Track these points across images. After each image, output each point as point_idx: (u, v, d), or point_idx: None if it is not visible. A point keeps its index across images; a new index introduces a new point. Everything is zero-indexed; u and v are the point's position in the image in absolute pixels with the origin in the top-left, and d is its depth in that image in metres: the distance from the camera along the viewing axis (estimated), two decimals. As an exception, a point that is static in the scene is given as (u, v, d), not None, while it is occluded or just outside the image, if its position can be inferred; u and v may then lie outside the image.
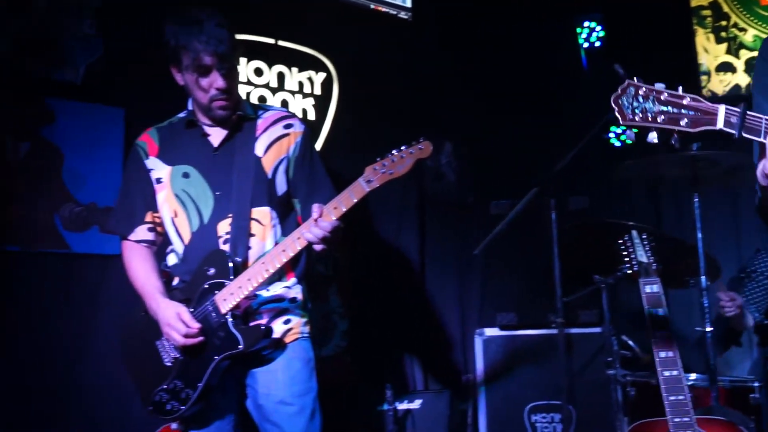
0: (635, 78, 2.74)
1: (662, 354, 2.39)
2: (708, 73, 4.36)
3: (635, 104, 1.50)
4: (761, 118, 1.47)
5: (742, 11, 4.38)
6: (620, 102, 1.51)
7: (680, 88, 1.51)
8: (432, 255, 4.18)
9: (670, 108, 1.48)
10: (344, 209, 2.17)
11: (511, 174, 4.27)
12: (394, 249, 4.10)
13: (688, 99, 1.48)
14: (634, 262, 2.61)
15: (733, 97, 4.32)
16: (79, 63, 3.32)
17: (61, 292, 3.17)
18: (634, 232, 2.69)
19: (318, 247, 2.21)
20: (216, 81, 2.30)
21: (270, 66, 3.92)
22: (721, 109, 1.47)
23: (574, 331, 3.40)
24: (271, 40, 3.93)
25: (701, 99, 1.48)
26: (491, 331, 3.55)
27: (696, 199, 2.87)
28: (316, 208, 2.17)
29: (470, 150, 4.52)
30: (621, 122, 1.51)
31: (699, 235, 2.81)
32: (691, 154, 2.89)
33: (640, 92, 1.50)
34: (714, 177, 3.09)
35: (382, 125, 4.18)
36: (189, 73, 2.31)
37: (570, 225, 3.11)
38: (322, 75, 4.08)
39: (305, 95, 4.01)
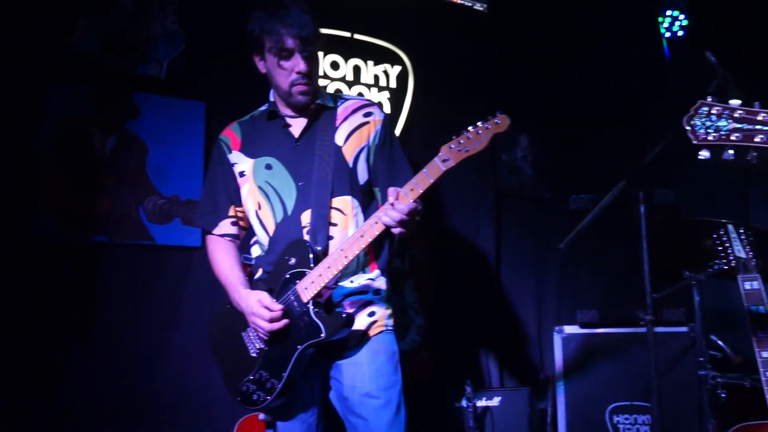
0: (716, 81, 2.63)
1: (765, 354, 2.27)
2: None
3: (708, 123, 1.50)
4: None
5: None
6: (693, 122, 1.52)
7: (757, 104, 1.49)
8: (508, 251, 4.10)
9: (744, 125, 1.48)
10: (421, 190, 2.12)
11: (588, 168, 4.16)
12: (470, 244, 4.04)
13: (763, 115, 1.48)
14: (731, 258, 2.49)
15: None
16: (162, 58, 3.39)
17: (145, 282, 3.23)
18: (731, 227, 2.57)
19: (396, 231, 2.16)
20: (298, 64, 2.31)
21: (346, 59, 3.92)
22: None
23: (658, 329, 3.27)
24: (347, 34, 3.93)
25: None
26: (571, 329, 3.45)
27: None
28: (392, 191, 2.13)
29: (547, 144, 4.42)
30: (694, 142, 1.51)
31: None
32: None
33: (713, 111, 1.50)
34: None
35: (458, 118, 4.07)
36: (271, 56, 2.32)
37: (658, 219, 2.99)
38: (398, 68, 4.05)
39: (381, 88, 3.99)
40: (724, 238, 2.53)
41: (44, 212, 3.04)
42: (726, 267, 2.50)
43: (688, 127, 1.53)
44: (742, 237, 2.54)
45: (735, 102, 1.51)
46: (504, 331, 4.00)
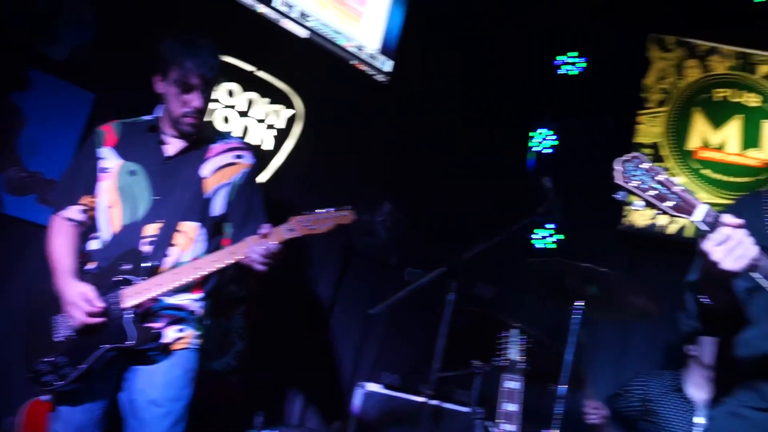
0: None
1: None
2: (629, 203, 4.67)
3: (635, 172, 1.64)
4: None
5: (679, 158, 4.79)
6: (625, 165, 1.66)
7: (678, 179, 1.69)
8: (344, 303, 4.35)
9: (661, 187, 1.65)
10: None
11: (436, 246, 4.53)
12: (310, 287, 4.31)
13: (677, 187, 1.67)
14: (505, 358, 2.88)
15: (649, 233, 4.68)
16: (67, 42, 3.52)
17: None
18: (514, 331, 2.97)
19: (258, 267, 2.45)
20: (195, 100, 2.56)
21: (244, 90, 4.16)
22: (703, 207, 1.66)
23: (447, 405, 3.63)
24: (252, 68, 4.17)
25: (688, 191, 1.68)
26: (372, 387, 3.72)
27: (578, 313, 3.14)
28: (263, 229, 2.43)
29: (409, 214, 4.76)
30: (617, 181, 1.65)
31: (570, 344, 3.06)
32: (586, 266, 3.16)
33: (643, 165, 1.65)
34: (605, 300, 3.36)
35: (333, 172, 4.44)
36: (173, 86, 2.56)
37: (466, 309, 3.36)
38: (290, 112, 4.32)
39: (268, 126, 4.24)
40: (505, 340, 2.92)
41: None
42: (499, 364, 2.88)
43: (619, 167, 1.65)
44: (521, 342, 2.94)
45: (660, 167, 1.68)
46: (318, 376, 4.25)
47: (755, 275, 1.68)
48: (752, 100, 4.80)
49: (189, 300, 2.58)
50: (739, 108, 4.79)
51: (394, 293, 4.00)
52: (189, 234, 2.58)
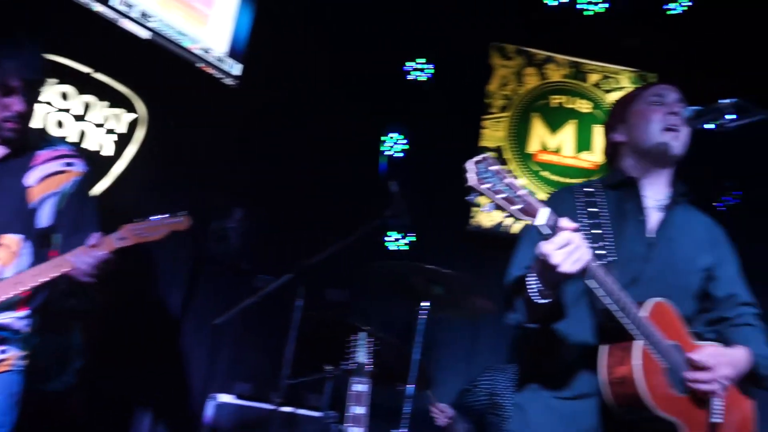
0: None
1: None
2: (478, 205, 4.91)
3: (486, 174, 1.61)
4: None
5: (520, 161, 5.06)
6: (477, 166, 1.62)
7: (521, 182, 1.69)
8: (195, 312, 4.25)
9: (509, 190, 1.64)
10: None
11: (290, 251, 4.50)
12: (160, 297, 4.15)
13: (522, 191, 1.67)
14: (353, 361, 2.90)
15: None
16: None
17: None
18: (362, 334, 2.99)
19: (85, 278, 2.31)
20: (16, 104, 2.38)
21: (79, 93, 3.93)
22: (545, 210, 1.69)
23: (300, 411, 3.62)
24: (89, 69, 3.96)
25: (532, 196, 1.69)
26: (225, 398, 3.66)
27: (424, 313, 3.22)
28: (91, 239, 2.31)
29: (261, 220, 4.71)
30: (469, 183, 1.60)
31: (417, 344, 3.14)
32: (430, 268, 3.25)
33: (492, 167, 1.63)
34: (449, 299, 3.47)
35: (180, 179, 4.29)
36: None
37: (311, 314, 3.36)
38: (132, 116, 4.14)
39: (108, 131, 4.04)
40: (353, 343, 2.94)
41: None
42: (348, 368, 2.89)
43: (472, 168, 1.61)
44: (369, 344, 2.97)
45: (507, 169, 1.66)
46: (169, 388, 4.11)
47: (587, 279, 1.76)
48: (584, 106, 5.17)
49: (12, 318, 2.41)
50: (573, 114, 5.15)
51: (246, 300, 3.95)
52: (11, 247, 2.40)
